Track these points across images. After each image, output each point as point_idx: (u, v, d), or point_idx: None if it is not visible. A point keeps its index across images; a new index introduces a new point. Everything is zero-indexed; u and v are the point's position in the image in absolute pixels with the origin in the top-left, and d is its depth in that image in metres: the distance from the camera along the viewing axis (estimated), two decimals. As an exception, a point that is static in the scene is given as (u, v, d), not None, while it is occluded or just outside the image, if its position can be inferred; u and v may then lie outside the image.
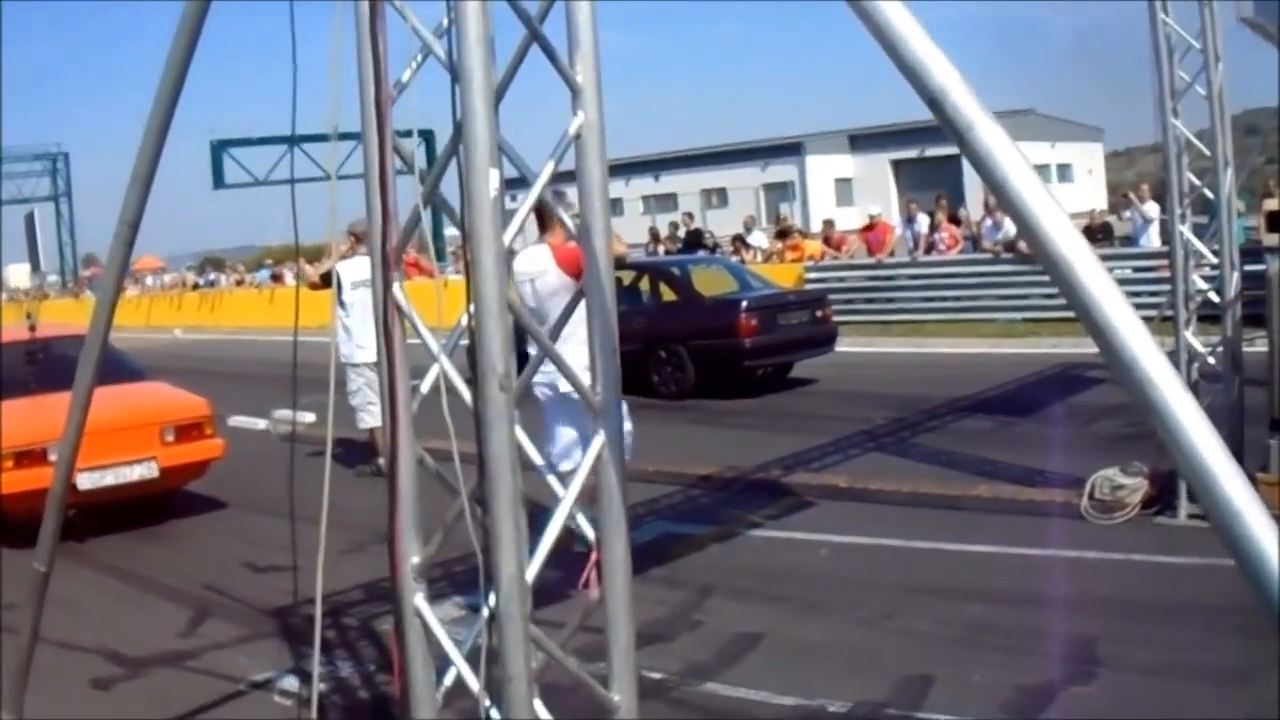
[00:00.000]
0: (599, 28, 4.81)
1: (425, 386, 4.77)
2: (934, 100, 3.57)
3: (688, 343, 22.05)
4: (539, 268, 11.67)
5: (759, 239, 39.41)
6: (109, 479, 14.61)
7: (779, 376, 23.25)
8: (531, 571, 4.43)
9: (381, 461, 15.75)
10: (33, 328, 17.22)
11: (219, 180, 67.73)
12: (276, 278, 58.16)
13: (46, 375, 14.93)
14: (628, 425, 14.11)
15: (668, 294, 23.56)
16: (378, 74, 4.56)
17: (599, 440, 4.75)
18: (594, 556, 4.90)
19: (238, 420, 22.22)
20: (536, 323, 12.77)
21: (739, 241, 38.95)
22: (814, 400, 21.35)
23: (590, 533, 4.87)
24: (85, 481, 13.79)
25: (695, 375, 21.95)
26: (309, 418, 20.37)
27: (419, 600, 4.83)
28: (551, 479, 4.88)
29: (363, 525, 10.74)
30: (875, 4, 3.63)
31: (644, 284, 24.02)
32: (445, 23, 4.61)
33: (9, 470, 13.88)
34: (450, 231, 30.71)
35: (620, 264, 16.19)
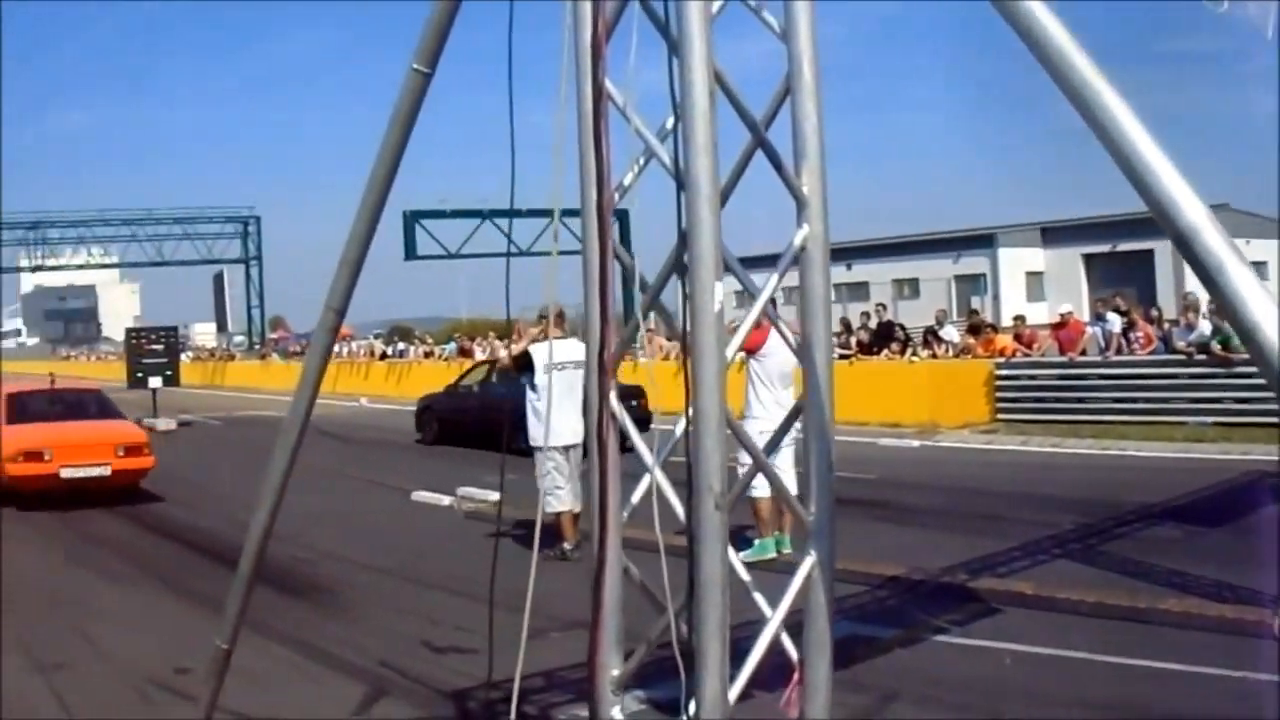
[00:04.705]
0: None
1: (636, 497, 4.68)
2: (1182, 238, 3.44)
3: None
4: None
5: (951, 333, 38.92)
6: (80, 474, 23.61)
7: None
8: (735, 691, 4.33)
9: (567, 546, 15.70)
10: (53, 381, 29.58)
11: (411, 251, 68.60)
12: (465, 351, 58.29)
13: (59, 412, 26.17)
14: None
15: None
16: (600, 180, 4.48)
17: (810, 560, 4.63)
18: (796, 676, 4.77)
19: (421, 495, 22.35)
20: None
21: (931, 334, 38.50)
22: (1000, 501, 20.98)
23: (794, 653, 4.75)
24: (66, 473, 23.39)
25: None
26: (494, 496, 20.44)
27: (615, 713, 4.74)
28: (758, 597, 4.75)
29: (544, 610, 10.54)
30: (1131, 141, 3.51)
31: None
32: (668, 125, 4.54)
33: (20, 462, 23.39)
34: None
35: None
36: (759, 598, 4.77)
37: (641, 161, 4.70)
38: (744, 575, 4.72)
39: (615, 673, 4.72)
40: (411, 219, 67.82)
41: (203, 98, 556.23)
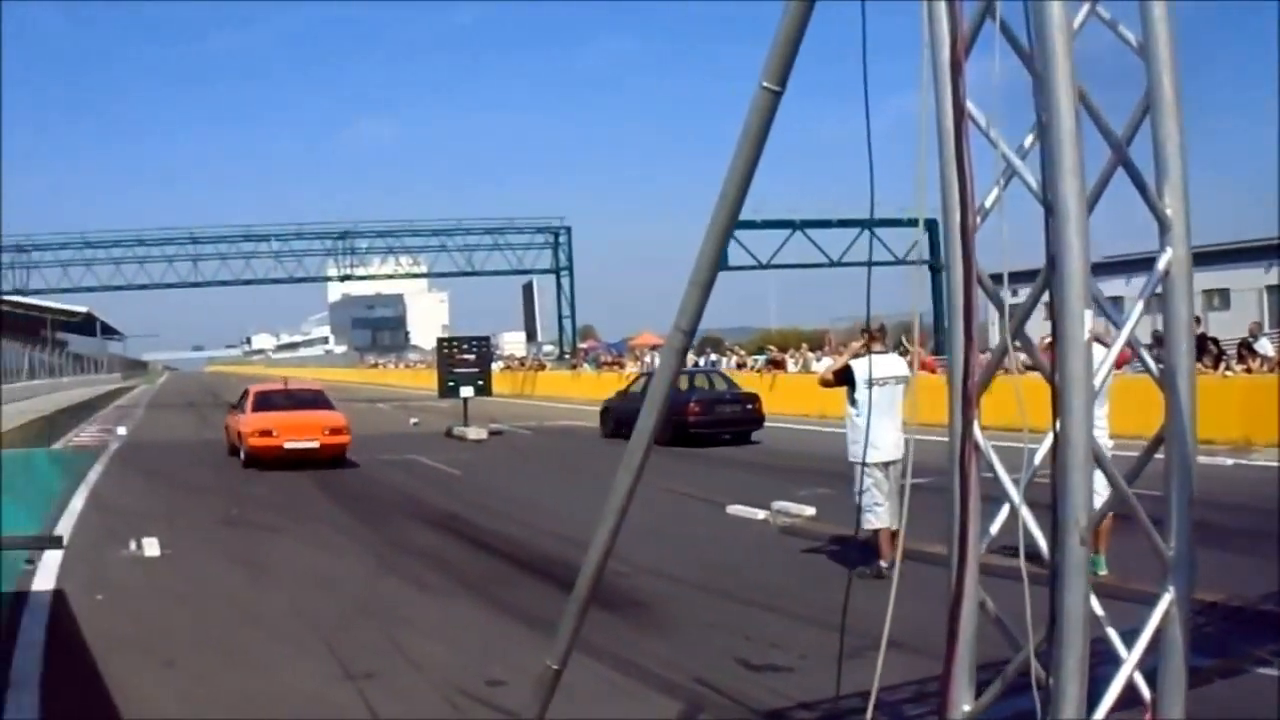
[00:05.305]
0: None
1: (994, 528, 4.58)
2: None
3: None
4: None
5: (1265, 346, 37.68)
6: (298, 446, 34.29)
7: None
8: (1092, 727, 4.22)
9: (883, 564, 15.48)
10: (285, 382, 44.27)
11: (722, 262, 69.10)
12: (776, 363, 58.23)
13: (289, 404, 37.45)
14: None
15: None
16: (964, 200, 4.39)
17: (1168, 596, 4.49)
18: (1147, 717, 4.63)
19: (736, 509, 22.48)
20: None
21: (1245, 348, 37.39)
22: (1319, 526, 20.21)
23: (1146, 692, 4.61)
24: (288, 445, 34.25)
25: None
26: (809, 511, 20.35)
27: (967, 748, 4.65)
28: (1111, 632, 4.62)
29: (861, 629, 10.42)
30: None
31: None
32: (1026, 144, 4.43)
33: (257, 437, 34.64)
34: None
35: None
36: (1111, 632, 4.63)
37: (1002, 182, 4.59)
38: (1098, 609, 4.58)
39: (967, 708, 4.62)
40: (725, 229, 68.44)
41: (510, 106, 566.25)
